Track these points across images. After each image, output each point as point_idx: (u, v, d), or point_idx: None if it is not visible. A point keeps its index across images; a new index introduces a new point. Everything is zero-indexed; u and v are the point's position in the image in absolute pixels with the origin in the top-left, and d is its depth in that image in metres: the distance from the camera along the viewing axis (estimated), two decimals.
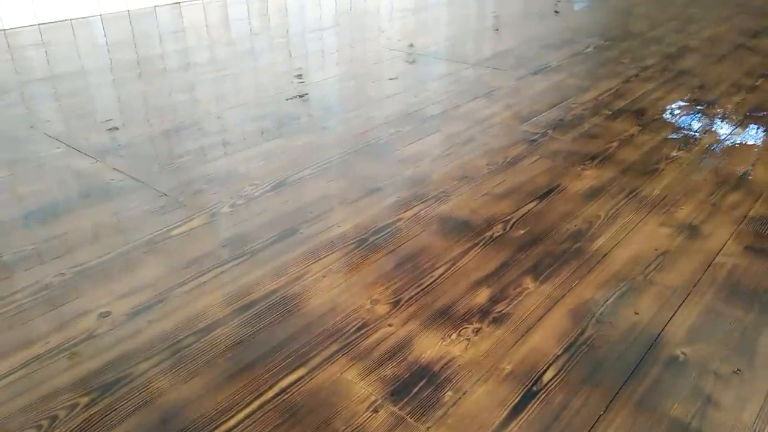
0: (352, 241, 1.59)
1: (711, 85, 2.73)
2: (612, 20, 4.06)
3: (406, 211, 1.74)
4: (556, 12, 3.74)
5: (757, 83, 2.74)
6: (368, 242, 1.59)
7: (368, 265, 1.50)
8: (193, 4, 4.69)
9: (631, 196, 1.80)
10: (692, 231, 1.62)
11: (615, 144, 2.13)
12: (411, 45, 3.50)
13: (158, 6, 4.60)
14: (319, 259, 1.52)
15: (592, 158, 2.03)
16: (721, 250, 1.54)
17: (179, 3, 4.71)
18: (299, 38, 3.71)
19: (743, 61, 3.07)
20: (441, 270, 1.48)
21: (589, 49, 3.31)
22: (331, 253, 1.55)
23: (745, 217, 1.69)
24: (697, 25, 3.84)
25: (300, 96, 2.67)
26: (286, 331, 1.28)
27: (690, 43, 3.41)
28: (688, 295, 1.39)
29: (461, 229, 1.65)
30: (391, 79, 2.91)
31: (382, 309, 1.35)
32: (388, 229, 1.65)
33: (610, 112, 2.41)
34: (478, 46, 3.47)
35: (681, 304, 1.36)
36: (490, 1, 4.88)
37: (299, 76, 2.97)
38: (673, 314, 1.33)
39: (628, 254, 1.53)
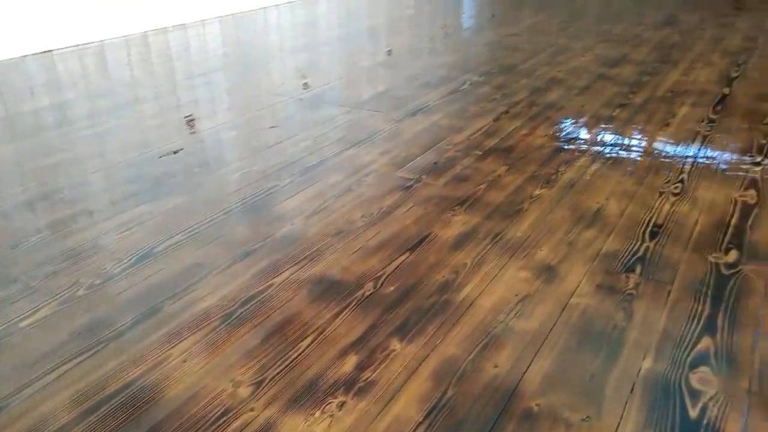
0: (217, 317, 1.55)
1: (573, 117, 2.92)
2: (488, 53, 4.26)
3: (276, 275, 1.71)
4: (446, 33, 3.85)
5: (614, 113, 2.96)
6: (234, 316, 1.55)
7: (233, 342, 1.46)
8: (66, 52, 4.46)
9: (495, 240, 1.87)
10: (550, 273, 1.70)
11: (483, 186, 2.22)
12: (297, 87, 3.51)
13: (27, 56, 4.34)
14: (182, 341, 1.46)
15: (462, 203, 2.10)
16: (575, 290, 1.63)
17: (51, 51, 4.47)
18: (183, 85, 3.61)
19: (603, 92, 3.31)
20: (308, 340, 1.46)
21: (465, 86, 3.45)
22: (195, 332, 1.49)
23: (598, 253, 1.80)
24: (564, 56, 4.11)
25: (175, 152, 2.60)
26: (138, 431, 1.21)
27: (557, 75, 3.64)
28: (544, 341, 1.45)
29: (333, 291, 1.64)
30: (272, 127, 2.89)
31: (244, 392, 1.31)
32: (257, 299, 1.62)
33: (481, 153, 2.52)
34: (363, 87, 3.53)
35: (537, 353, 1.41)
36: (383, 35, 4.99)
37: (185, 124, 2.88)
38: (529, 364, 1.38)
39: (491, 303, 1.58)
